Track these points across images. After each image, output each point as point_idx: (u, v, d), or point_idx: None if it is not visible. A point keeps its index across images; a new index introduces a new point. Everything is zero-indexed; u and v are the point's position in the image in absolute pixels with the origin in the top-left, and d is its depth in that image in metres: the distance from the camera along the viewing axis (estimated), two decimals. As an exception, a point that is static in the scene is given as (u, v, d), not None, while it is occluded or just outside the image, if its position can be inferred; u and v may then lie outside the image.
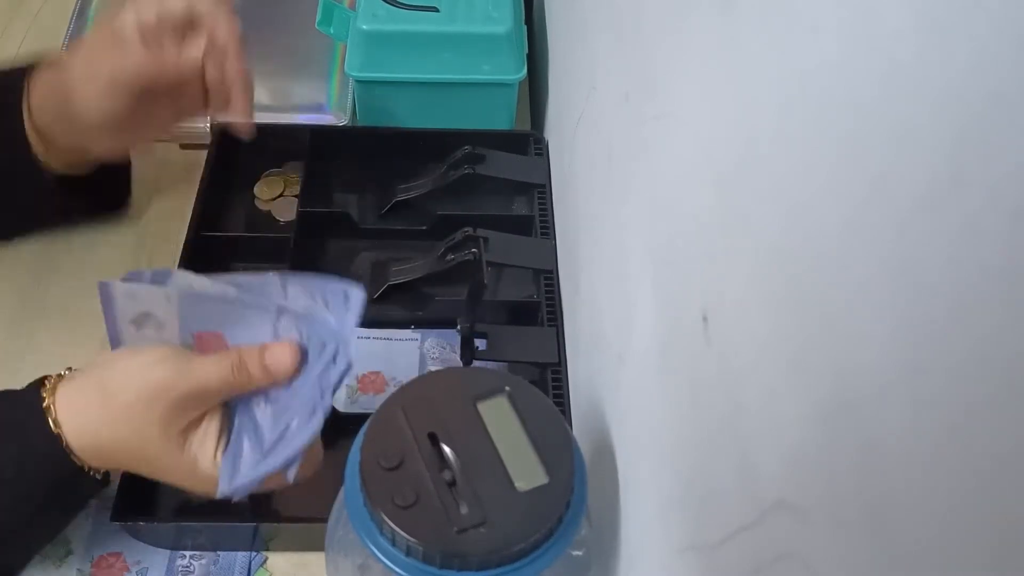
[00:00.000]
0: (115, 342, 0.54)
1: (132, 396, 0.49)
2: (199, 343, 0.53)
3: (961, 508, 0.20)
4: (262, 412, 0.52)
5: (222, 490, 0.50)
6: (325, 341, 0.51)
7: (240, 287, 0.53)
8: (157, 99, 0.60)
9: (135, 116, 0.60)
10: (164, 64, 0.59)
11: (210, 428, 0.51)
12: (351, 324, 0.51)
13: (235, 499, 0.51)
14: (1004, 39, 0.18)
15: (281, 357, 0.51)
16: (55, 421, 0.50)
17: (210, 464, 0.51)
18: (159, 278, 0.53)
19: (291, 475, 0.50)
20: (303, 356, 0.51)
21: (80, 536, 0.59)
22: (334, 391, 0.51)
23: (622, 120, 0.51)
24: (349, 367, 0.51)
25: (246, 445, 0.51)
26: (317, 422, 0.50)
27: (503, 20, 0.76)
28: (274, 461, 0.50)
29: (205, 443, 0.51)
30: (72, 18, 0.87)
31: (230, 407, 0.52)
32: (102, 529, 0.59)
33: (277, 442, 0.51)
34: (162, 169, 0.80)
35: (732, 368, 0.34)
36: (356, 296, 0.52)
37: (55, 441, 0.50)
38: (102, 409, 0.50)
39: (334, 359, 0.51)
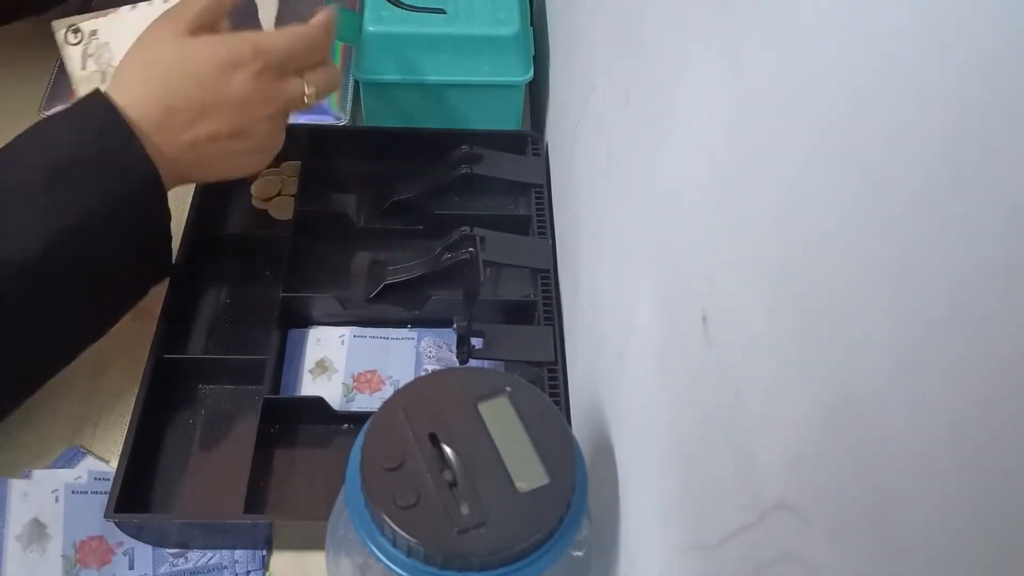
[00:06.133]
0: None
1: (150, 33, 0.59)
2: None
3: (961, 507, 0.20)
4: None
5: None
6: None
7: None
8: None
9: None
10: None
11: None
12: None
13: None
14: (1004, 38, 0.18)
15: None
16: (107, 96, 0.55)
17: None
18: None
19: None
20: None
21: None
22: None
23: (622, 120, 0.51)
24: None
25: None
26: None
27: (510, 22, 0.77)
28: None
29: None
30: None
31: None
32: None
33: None
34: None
35: (732, 368, 0.34)
36: None
37: (105, 100, 0.55)
38: (145, 69, 0.58)
39: None
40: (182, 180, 0.62)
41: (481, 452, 0.41)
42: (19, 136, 0.55)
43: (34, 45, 0.88)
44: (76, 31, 0.64)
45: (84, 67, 0.65)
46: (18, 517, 0.57)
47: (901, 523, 0.22)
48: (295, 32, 0.63)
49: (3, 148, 0.54)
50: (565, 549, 0.40)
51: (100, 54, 0.65)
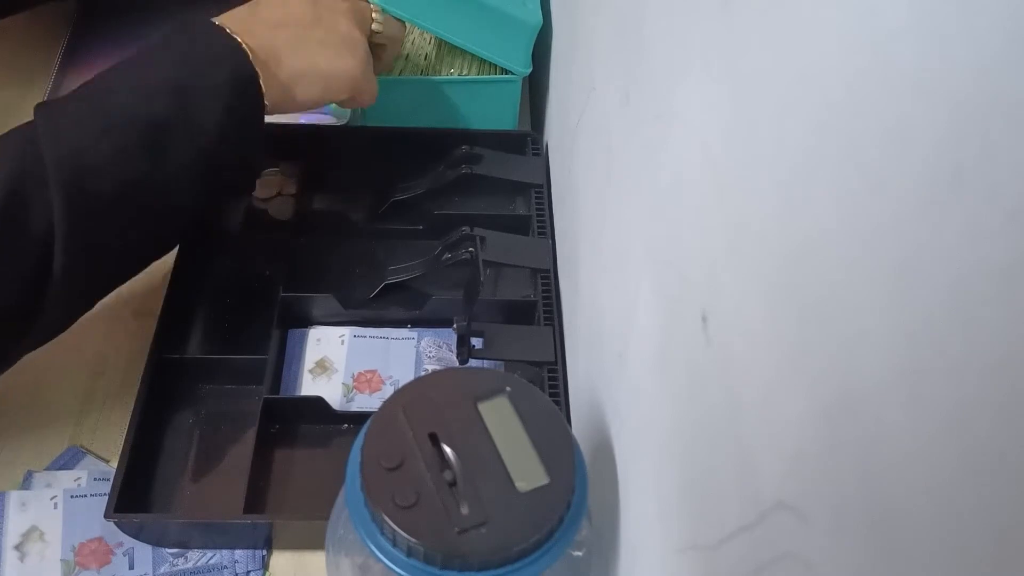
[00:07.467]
0: None
1: None
2: None
3: (961, 507, 0.20)
4: None
5: None
6: None
7: None
8: None
9: None
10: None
11: None
12: None
13: None
14: (1005, 39, 0.18)
15: None
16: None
17: None
18: None
19: None
20: None
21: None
22: None
23: (622, 120, 0.51)
24: None
25: None
26: None
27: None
28: None
29: None
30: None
31: None
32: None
33: None
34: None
35: (732, 368, 0.34)
36: None
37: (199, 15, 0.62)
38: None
39: None
40: (278, 76, 0.63)
41: (481, 452, 0.41)
42: None
43: (34, 43, 0.88)
44: None
45: None
46: (16, 527, 0.57)
47: (901, 523, 0.22)
48: None
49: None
50: (565, 549, 0.40)
51: None
